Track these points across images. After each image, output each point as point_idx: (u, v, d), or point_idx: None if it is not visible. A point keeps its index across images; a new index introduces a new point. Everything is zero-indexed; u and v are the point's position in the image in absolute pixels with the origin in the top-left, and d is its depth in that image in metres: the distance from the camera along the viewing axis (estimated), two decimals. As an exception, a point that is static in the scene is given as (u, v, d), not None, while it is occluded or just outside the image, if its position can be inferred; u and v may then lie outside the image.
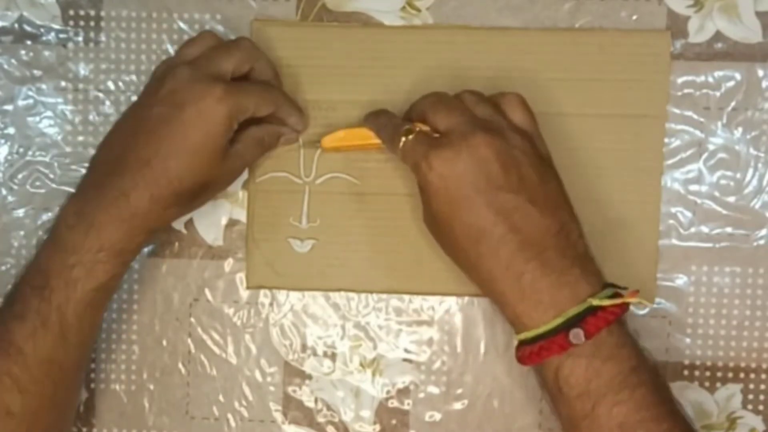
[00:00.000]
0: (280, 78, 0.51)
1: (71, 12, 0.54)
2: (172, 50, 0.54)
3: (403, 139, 0.46)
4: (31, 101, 0.54)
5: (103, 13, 0.54)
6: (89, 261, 0.45)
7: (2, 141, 0.55)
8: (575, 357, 0.42)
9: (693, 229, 0.53)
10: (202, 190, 0.48)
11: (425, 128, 0.46)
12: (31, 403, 0.45)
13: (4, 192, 0.55)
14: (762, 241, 0.52)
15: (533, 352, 0.43)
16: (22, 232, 0.55)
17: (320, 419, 0.54)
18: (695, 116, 0.52)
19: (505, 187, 0.44)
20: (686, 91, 0.52)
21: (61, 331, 0.45)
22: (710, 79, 0.52)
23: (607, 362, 0.42)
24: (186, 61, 0.47)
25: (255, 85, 0.49)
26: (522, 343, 0.44)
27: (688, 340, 0.53)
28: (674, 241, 0.53)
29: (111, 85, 0.54)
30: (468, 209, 0.44)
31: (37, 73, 0.54)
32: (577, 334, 0.42)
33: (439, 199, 0.45)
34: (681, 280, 0.53)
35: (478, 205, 0.44)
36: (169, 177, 0.45)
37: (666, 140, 0.52)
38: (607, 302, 0.42)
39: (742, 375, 0.53)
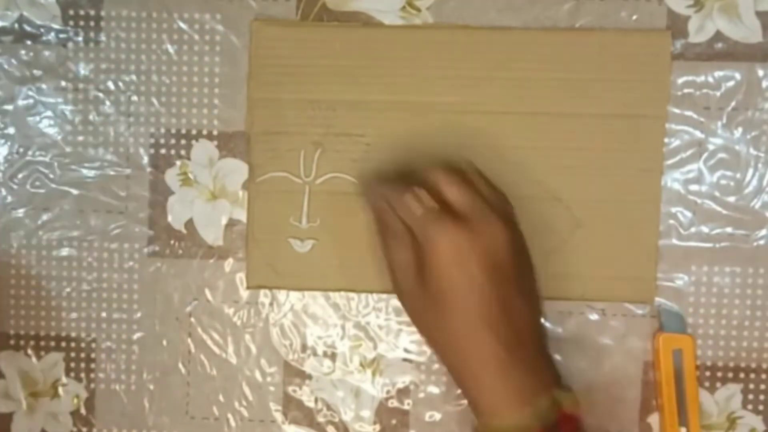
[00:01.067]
0: None
1: (71, 12, 0.54)
2: (172, 50, 0.54)
3: (425, 204, 0.46)
4: (31, 101, 0.54)
5: (103, 13, 0.54)
6: None
7: (2, 141, 0.55)
8: None
9: (693, 229, 0.53)
10: None
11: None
12: None
13: (4, 192, 0.55)
14: (762, 241, 0.52)
15: None
16: (22, 232, 0.55)
17: (320, 419, 0.54)
18: (695, 116, 0.52)
19: (509, 278, 0.45)
20: (686, 91, 0.52)
21: None
22: (710, 79, 0.52)
23: None
24: None
25: None
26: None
27: (688, 340, 0.53)
28: (674, 241, 0.53)
29: (111, 85, 0.54)
30: (473, 292, 0.44)
31: (37, 73, 0.54)
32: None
33: (446, 274, 0.44)
34: (681, 280, 0.53)
35: (484, 291, 0.44)
36: None
37: (666, 140, 0.52)
38: (571, 407, 0.45)
39: (742, 375, 0.53)
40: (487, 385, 0.44)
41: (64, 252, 0.55)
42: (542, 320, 0.48)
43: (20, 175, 0.55)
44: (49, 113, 0.54)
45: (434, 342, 0.47)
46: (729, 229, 0.52)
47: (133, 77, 0.54)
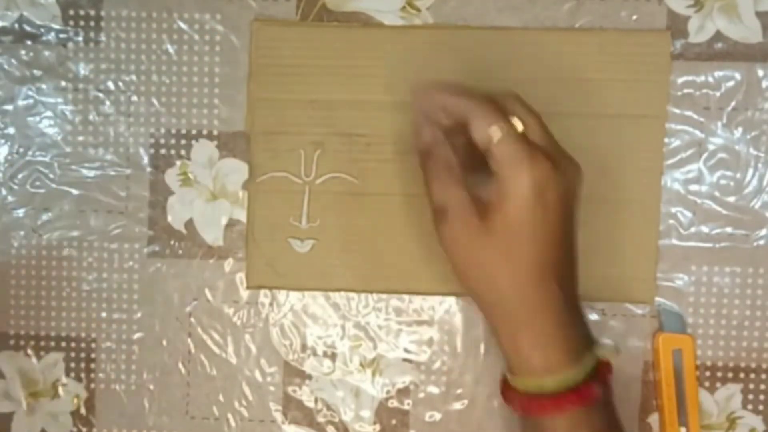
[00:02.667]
0: None
1: (71, 12, 0.54)
2: (172, 50, 0.54)
3: (514, 122, 0.42)
4: (31, 101, 0.54)
5: (103, 13, 0.54)
6: None
7: (2, 141, 0.55)
8: (590, 408, 0.42)
9: (693, 229, 0.53)
10: None
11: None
12: None
13: (4, 192, 0.55)
14: (762, 241, 0.52)
15: (554, 401, 0.41)
16: (22, 232, 0.55)
17: (320, 419, 0.54)
18: (695, 116, 0.52)
19: (577, 225, 0.43)
20: (686, 91, 0.52)
21: None
22: (710, 79, 0.52)
23: (610, 414, 0.44)
24: None
25: None
26: (527, 392, 0.42)
27: (688, 340, 0.53)
28: (674, 241, 0.53)
29: (111, 85, 0.54)
30: (551, 235, 0.41)
31: (37, 73, 0.54)
32: (600, 383, 0.42)
33: (525, 211, 0.40)
34: (681, 280, 0.53)
35: (561, 237, 0.42)
36: None
37: (666, 140, 0.52)
38: (608, 355, 0.44)
39: (742, 375, 0.53)
40: (545, 342, 0.41)
41: (64, 252, 0.55)
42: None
43: (20, 175, 0.55)
44: (49, 113, 0.54)
45: (490, 290, 0.42)
46: (729, 229, 0.52)
47: (133, 77, 0.54)
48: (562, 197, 0.41)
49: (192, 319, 0.55)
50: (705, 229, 0.53)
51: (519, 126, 0.41)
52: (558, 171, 0.41)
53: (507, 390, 0.44)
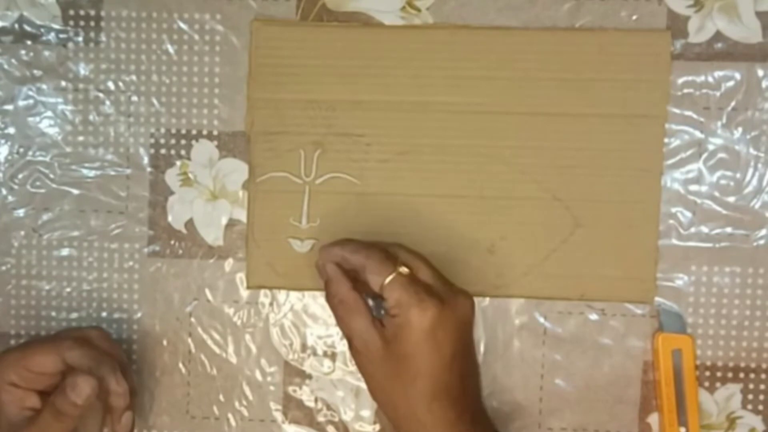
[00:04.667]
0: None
1: (71, 12, 0.54)
2: (172, 50, 0.54)
3: (400, 269, 0.46)
4: (31, 101, 0.54)
5: (103, 13, 0.54)
6: None
7: (2, 141, 0.55)
8: None
9: (693, 229, 0.53)
10: None
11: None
12: None
13: (4, 192, 0.55)
14: (762, 241, 0.52)
15: None
16: (22, 232, 0.55)
17: (320, 419, 0.54)
18: (695, 116, 0.52)
19: (469, 354, 0.48)
20: (686, 91, 0.52)
21: None
22: (710, 79, 0.52)
23: None
24: None
25: None
26: None
27: (687, 340, 0.53)
28: (674, 241, 0.53)
29: (111, 85, 0.54)
30: (440, 368, 0.45)
31: (37, 73, 0.54)
32: None
33: (417, 348, 0.45)
34: (681, 280, 0.53)
35: (451, 368, 0.45)
36: None
37: (666, 140, 0.52)
38: None
39: (742, 375, 0.53)
40: None
41: (65, 252, 0.55)
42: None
43: (20, 175, 0.55)
44: (49, 113, 0.54)
45: (392, 409, 0.47)
46: (729, 229, 0.52)
47: (133, 77, 0.54)
48: (452, 332, 0.45)
49: (192, 319, 0.55)
50: (705, 229, 0.53)
51: (405, 270, 0.46)
52: (447, 308, 0.45)
53: None
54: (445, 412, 0.45)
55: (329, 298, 0.48)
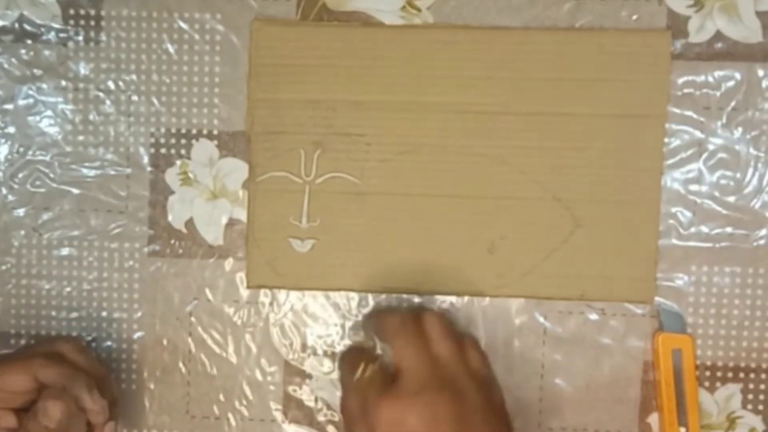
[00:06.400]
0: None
1: (71, 11, 0.54)
2: (172, 50, 0.54)
3: (361, 367, 0.45)
4: (31, 100, 0.54)
5: (103, 13, 0.54)
6: None
7: (2, 140, 0.55)
8: None
9: (693, 229, 0.53)
10: None
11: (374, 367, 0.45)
12: None
13: (4, 191, 0.55)
14: (762, 241, 0.52)
15: None
16: (22, 232, 0.55)
17: (320, 418, 0.54)
18: (695, 116, 0.52)
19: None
20: (686, 91, 0.52)
21: None
22: (710, 79, 0.52)
23: None
24: None
25: None
26: None
27: (687, 340, 0.53)
28: (674, 241, 0.53)
29: (111, 85, 0.54)
30: None
31: (37, 72, 0.54)
32: None
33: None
34: (681, 280, 0.53)
35: None
36: None
37: (666, 140, 0.52)
38: None
39: (742, 375, 0.53)
40: None
41: (65, 251, 0.55)
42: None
43: (20, 175, 0.55)
44: (49, 113, 0.54)
45: None
46: (729, 229, 0.52)
47: (133, 77, 0.54)
48: (416, 425, 0.41)
49: (192, 319, 0.55)
50: (705, 229, 0.53)
51: (365, 373, 0.44)
52: (411, 403, 0.42)
53: None
54: None
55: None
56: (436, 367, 0.43)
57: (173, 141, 0.54)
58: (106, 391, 0.48)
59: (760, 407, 0.53)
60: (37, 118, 0.54)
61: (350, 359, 0.47)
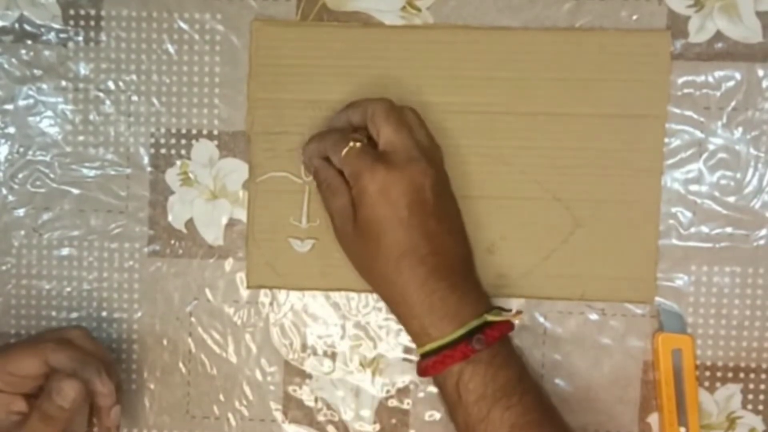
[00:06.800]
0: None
1: (71, 11, 0.54)
2: (172, 50, 0.54)
3: (351, 144, 0.47)
4: (31, 101, 0.54)
5: (103, 13, 0.54)
6: None
7: (3, 140, 0.55)
8: (475, 363, 0.46)
9: (693, 229, 0.53)
10: None
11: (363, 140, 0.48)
12: None
13: (4, 191, 0.55)
14: (762, 241, 0.52)
15: (437, 360, 0.46)
16: (22, 232, 0.55)
17: (320, 418, 0.54)
18: (695, 116, 0.52)
19: (434, 215, 0.47)
20: (686, 91, 0.52)
21: None
22: (710, 79, 0.52)
23: (501, 369, 0.46)
24: None
25: None
26: (425, 355, 0.47)
27: (687, 340, 0.53)
28: (674, 241, 0.53)
29: (111, 85, 0.54)
30: (399, 226, 0.47)
31: (37, 72, 0.54)
32: (479, 340, 0.46)
33: (374, 210, 0.47)
34: (681, 280, 0.53)
35: (410, 225, 0.47)
36: None
37: (666, 140, 0.52)
38: (499, 318, 0.47)
39: (742, 375, 0.53)
40: (417, 311, 0.47)
41: (65, 251, 0.55)
42: (472, 255, 0.51)
43: (21, 175, 0.55)
44: (49, 113, 0.54)
45: (371, 278, 0.49)
46: (729, 229, 0.52)
47: (134, 77, 0.54)
48: (406, 192, 0.46)
49: (192, 319, 0.55)
50: (705, 229, 0.53)
51: (357, 144, 0.47)
52: (395, 170, 0.46)
53: (419, 363, 0.48)
54: (414, 270, 0.46)
55: (318, 186, 0.50)
56: (418, 148, 0.48)
57: (173, 141, 0.54)
58: (112, 376, 0.48)
59: (760, 407, 0.53)
60: (37, 118, 0.54)
61: (336, 138, 0.49)
